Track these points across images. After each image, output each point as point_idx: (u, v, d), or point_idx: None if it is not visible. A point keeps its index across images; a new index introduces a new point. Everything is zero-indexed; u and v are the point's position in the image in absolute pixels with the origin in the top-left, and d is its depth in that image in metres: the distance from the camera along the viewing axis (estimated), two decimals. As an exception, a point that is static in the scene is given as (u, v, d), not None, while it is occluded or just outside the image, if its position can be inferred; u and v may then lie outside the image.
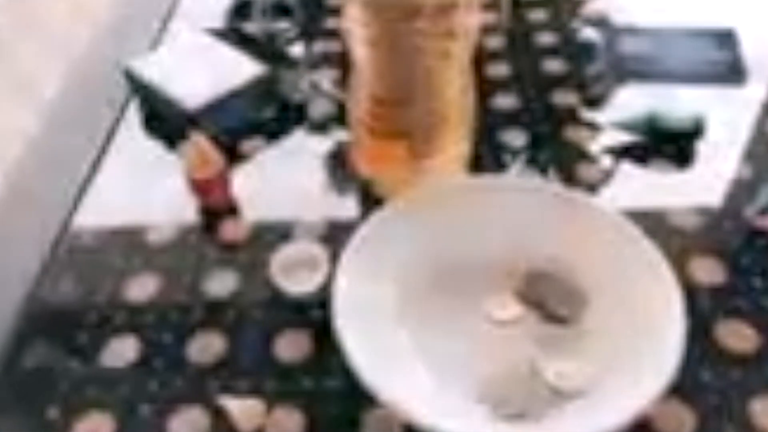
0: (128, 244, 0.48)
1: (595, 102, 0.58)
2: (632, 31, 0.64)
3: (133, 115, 0.59)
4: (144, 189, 0.52)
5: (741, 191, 0.49)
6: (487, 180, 0.47)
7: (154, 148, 0.56)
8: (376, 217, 0.42)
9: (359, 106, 0.46)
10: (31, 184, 0.55)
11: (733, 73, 0.60)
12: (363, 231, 0.41)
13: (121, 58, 0.61)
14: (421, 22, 0.40)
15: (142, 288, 0.45)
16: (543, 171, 0.51)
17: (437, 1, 0.39)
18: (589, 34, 0.66)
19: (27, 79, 0.66)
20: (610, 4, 0.69)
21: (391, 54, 0.42)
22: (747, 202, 0.48)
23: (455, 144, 0.47)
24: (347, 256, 0.40)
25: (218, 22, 0.69)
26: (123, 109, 0.59)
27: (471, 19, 0.41)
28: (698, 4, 0.68)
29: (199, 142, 0.48)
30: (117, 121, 0.58)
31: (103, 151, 0.56)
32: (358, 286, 0.39)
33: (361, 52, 0.43)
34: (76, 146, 0.56)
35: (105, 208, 0.51)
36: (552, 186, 0.45)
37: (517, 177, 0.50)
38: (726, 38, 0.63)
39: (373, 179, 0.49)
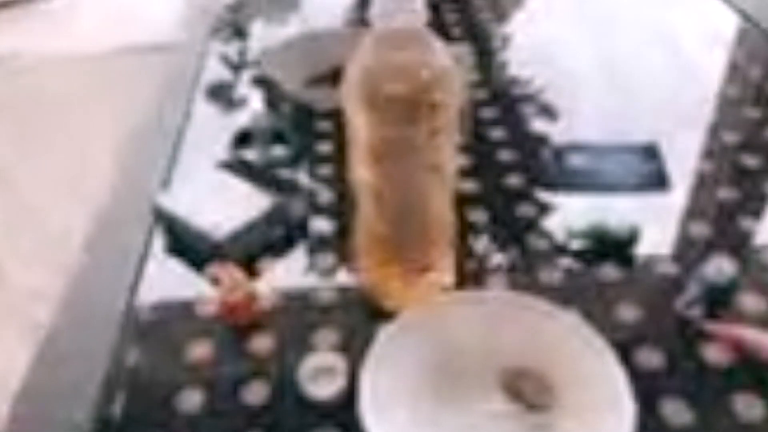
0: (176, 368, 0.57)
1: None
2: (574, 148, 0.78)
3: (157, 244, 0.69)
4: (177, 305, 0.61)
5: (671, 287, 0.61)
6: (472, 294, 0.58)
7: (183, 275, 0.65)
8: (385, 333, 0.52)
9: (360, 238, 0.57)
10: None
11: (658, 182, 0.73)
12: (376, 348, 0.51)
13: (139, 194, 0.71)
14: (418, 132, 0.49)
15: (189, 401, 0.54)
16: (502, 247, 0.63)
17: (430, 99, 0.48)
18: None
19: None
20: (554, 125, 0.83)
21: (394, 186, 0.52)
22: (676, 297, 0.60)
23: (443, 257, 0.58)
24: (367, 371, 0.50)
25: (221, 149, 0.79)
26: (147, 241, 0.69)
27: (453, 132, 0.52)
28: (624, 121, 0.82)
29: (231, 270, 0.58)
30: (145, 253, 0.68)
31: (135, 284, 0.65)
32: (377, 392, 0.49)
33: (365, 192, 0.54)
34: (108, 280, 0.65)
35: (144, 331, 0.60)
36: (525, 299, 0.56)
37: (498, 292, 0.61)
38: (651, 152, 0.76)
39: (376, 294, 0.59)
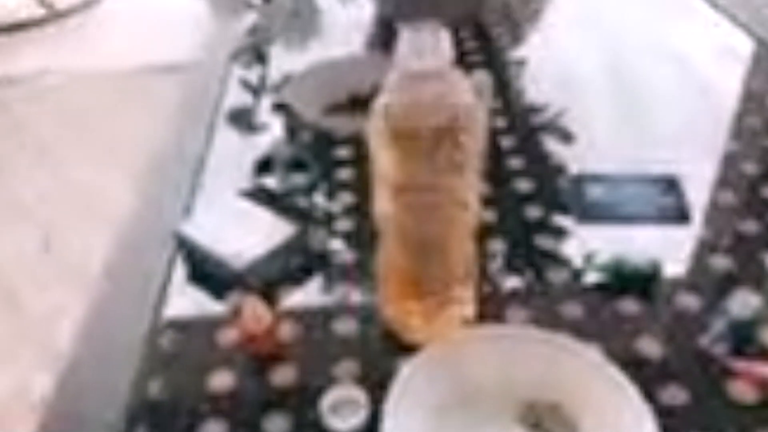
0: (197, 397, 0.57)
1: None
2: (593, 178, 0.78)
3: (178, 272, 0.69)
4: (198, 334, 0.62)
5: (693, 321, 0.61)
6: (493, 330, 0.58)
7: (204, 303, 0.66)
8: (407, 369, 0.52)
9: (382, 271, 0.57)
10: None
11: (678, 215, 0.73)
12: (398, 385, 0.51)
13: (161, 219, 0.72)
14: (441, 169, 0.49)
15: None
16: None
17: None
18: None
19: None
20: (572, 152, 0.83)
21: (419, 221, 0.52)
22: (699, 332, 0.59)
23: (464, 291, 0.58)
24: (389, 405, 0.50)
25: (242, 176, 0.80)
26: (170, 268, 0.69)
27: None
28: (642, 149, 0.82)
29: (253, 300, 0.58)
30: (166, 283, 0.68)
31: (156, 312, 0.65)
32: (399, 427, 0.49)
33: (387, 225, 0.54)
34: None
35: (166, 361, 0.60)
36: (546, 335, 0.56)
37: (519, 327, 0.60)
38: (671, 184, 0.76)
39: (397, 327, 0.59)
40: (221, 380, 0.58)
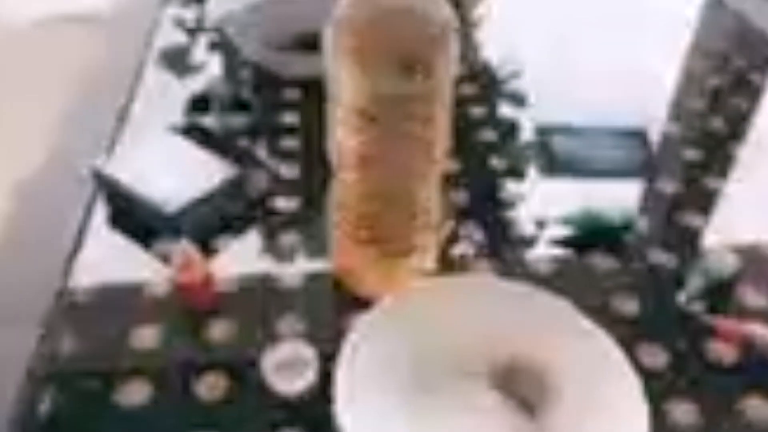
0: (115, 354, 0.49)
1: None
2: (562, 130, 0.72)
3: (99, 215, 0.60)
4: (123, 288, 0.53)
5: (667, 279, 0.57)
6: (457, 279, 0.52)
7: (126, 248, 0.57)
8: (364, 322, 0.46)
9: (336, 215, 0.50)
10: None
11: (646, 168, 0.69)
12: (354, 337, 0.45)
13: (80, 155, 0.62)
14: (413, 95, 0.43)
15: (135, 394, 0.46)
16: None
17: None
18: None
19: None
20: (540, 106, 0.78)
21: (383, 156, 0.45)
22: (675, 289, 0.55)
23: (427, 240, 0.52)
24: (344, 361, 0.43)
25: (176, 115, 0.71)
26: (90, 210, 0.60)
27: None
28: (615, 105, 0.77)
29: (185, 247, 0.50)
30: (84, 223, 0.59)
31: (74, 251, 0.56)
32: (353, 388, 0.42)
33: (347, 161, 0.47)
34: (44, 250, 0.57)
35: (81, 317, 0.52)
36: (514, 285, 0.50)
37: (484, 276, 0.54)
38: (639, 138, 0.72)
39: (350, 278, 0.52)
40: (146, 336, 0.50)
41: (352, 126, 0.45)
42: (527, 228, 0.61)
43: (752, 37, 0.94)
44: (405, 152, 0.46)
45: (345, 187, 0.48)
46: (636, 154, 0.70)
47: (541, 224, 0.61)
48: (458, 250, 0.58)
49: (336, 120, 0.46)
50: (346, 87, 0.44)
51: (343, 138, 0.46)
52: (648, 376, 0.48)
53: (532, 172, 0.68)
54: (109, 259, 0.56)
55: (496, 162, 0.69)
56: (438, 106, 0.45)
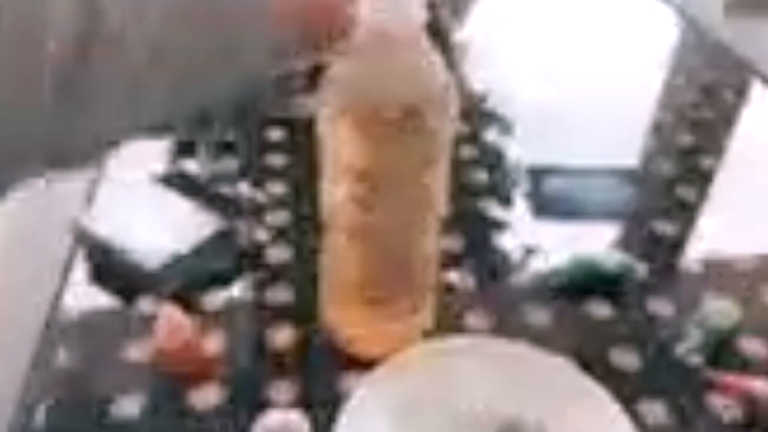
0: (97, 427, 0.46)
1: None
2: (552, 171, 0.71)
3: (79, 273, 0.58)
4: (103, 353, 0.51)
5: (667, 329, 0.55)
6: (458, 343, 0.50)
7: (106, 307, 0.55)
8: (359, 391, 0.44)
9: (329, 275, 0.48)
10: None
11: (639, 209, 0.68)
12: (349, 407, 0.43)
13: (58, 209, 0.60)
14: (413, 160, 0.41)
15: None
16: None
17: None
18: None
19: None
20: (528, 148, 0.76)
21: (379, 218, 0.43)
22: (674, 340, 0.54)
23: (423, 300, 0.50)
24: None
25: (160, 161, 0.69)
26: (67, 268, 0.58)
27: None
28: (603, 144, 0.77)
29: (169, 309, 0.48)
30: (62, 281, 0.57)
31: (52, 315, 0.54)
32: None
33: (341, 221, 0.45)
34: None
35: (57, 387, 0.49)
36: (516, 347, 0.49)
37: (483, 337, 0.53)
38: (631, 177, 0.71)
39: (345, 339, 0.51)
40: (127, 407, 0.47)
41: (348, 187, 0.43)
42: (522, 278, 0.60)
43: (734, 65, 0.95)
44: (404, 211, 0.44)
45: (337, 246, 0.47)
46: (627, 194, 0.69)
47: (529, 251, 0.60)
48: (456, 304, 0.56)
49: (329, 179, 0.45)
50: (337, 146, 0.42)
51: (337, 198, 0.44)
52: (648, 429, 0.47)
53: (525, 213, 0.67)
54: (88, 320, 0.54)
55: (488, 203, 0.68)
56: (440, 165, 0.44)
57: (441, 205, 0.47)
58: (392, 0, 0.37)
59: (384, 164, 0.40)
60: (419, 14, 0.38)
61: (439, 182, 0.44)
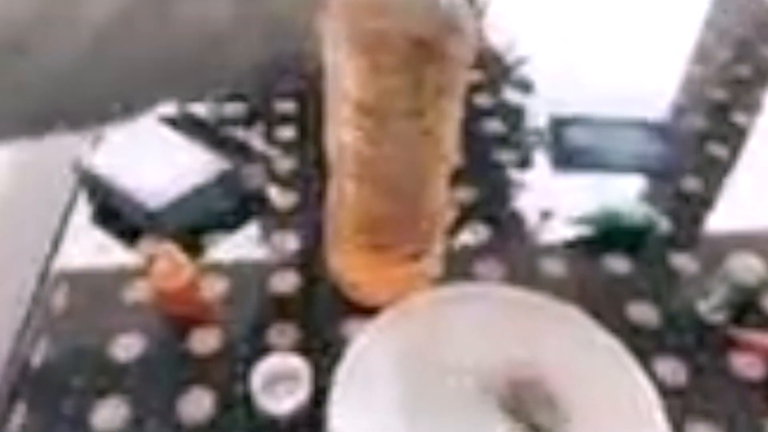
0: (95, 367, 0.45)
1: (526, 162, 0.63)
2: (576, 121, 0.68)
3: (82, 214, 0.56)
4: (103, 293, 0.50)
5: (690, 286, 0.53)
6: (466, 290, 0.48)
7: (109, 248, 0.53)
8: (361, 338, 0.42)
9: (336, 217, 0.46)
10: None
11: (668, 165, 0.64)
12: (350, 354, 0.41)
13: (64, 149, 0.58)
14: (423, 88, 0.38)
15: (110, 414, 0.42)
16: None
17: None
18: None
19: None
20: (550, 98, 0.73)
21: (387, 155, 0.41)
22: (697, 297, 0.51)
23: (431, 247, 0.48)
24: (340, 381, 0.40)
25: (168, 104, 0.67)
26: (71, 205, 0.56)
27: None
28: (632, 96, 0.73)
29: (169, 249, 0.47)
30: (65, 219, 0.55)
31: (55, 248, 0.53)
32: (351, 409, 0.39)
33: (347, 160, 0.43)
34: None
35: (57, 325, 0.48)
36: (527, 296, 0.47)
37: (489, 285, 0.51)
38: (661, 131, 0.68)
39: (349, 284, 0.49)
40: (126, 347, 0.46)
41: (353, 121, 0.40)
42: (539, 227, 0.57)
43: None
44: (413, 150, 0.42)
45: (344, 189, 0.44)
46: (657, 149, 0.66)
47: (546, 215, 0.57)
48: (467, 253, 0.54)
49: (336, 116, 0.42)
50: (343, 77, 0.39)
51: (344, 136, 0.42)
52: (667, 392, 0.44)
53: (544, 165, 0.64)
54: (90, 260, 0.52)
55: (504, 155, 0.65)
56: (453, 99, 0.41)
57: (452, 151, 0.44)
58: None
59: (391, 97, 0.38)
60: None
61: (450, 124, 0.41)
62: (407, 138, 0.39)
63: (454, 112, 0.41)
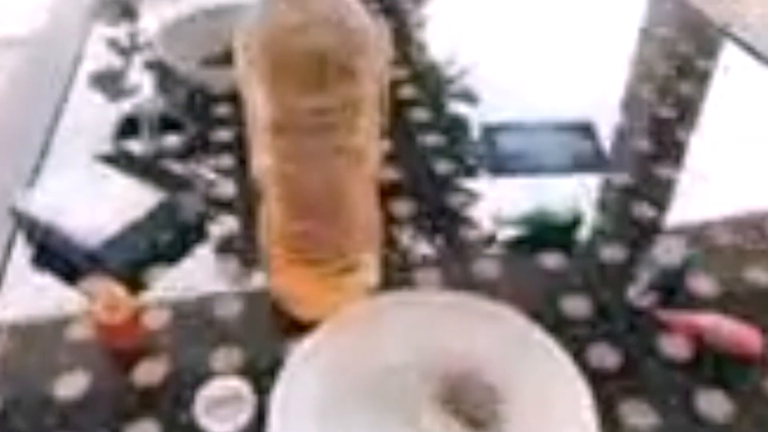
0: (41, 408, 0.45)
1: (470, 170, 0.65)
2: (506, 128, 0.71)
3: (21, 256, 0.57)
4: (45, 331, 0.50)
5: (618, 274, 0.55)
6: (401, 295, 0.49)
7: (49, 287, 0.54)
8: (299, 349, 0.43)
9: (267, 236, 0.47)
10: None
11: (596, 162, 0.67)
12: (288, 368, 0.42)
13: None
14: (332, 104, 0.40)
15: (56, 450, 0.43)
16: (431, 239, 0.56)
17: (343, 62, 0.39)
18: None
19: None
20: (486, 105, 0.75)
21: (304, 173, 0.43)
22: (627, 284, 0.53)
23: (366, 255, 0.50)
24: (276, 398, 0.41)
25: (103, 142, 0.68)
26: (9, 249, 0.57)
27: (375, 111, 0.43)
28: (559, 101, 0.76)
29: (108, 285, 0.47)
30: (3, 264, 0.56)
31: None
32: (289, 424, 0.40)
33: (270, 181, 0.45)
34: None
35: (5, 374, 0.48)
36: (462, 298, 0.48)
37: (424, 291, 0.52)
38: (586, 131, 0.70)
39: (288, 302, 0.50)
40: (72, 384, 0.46)
41: (269, 143, 0.42)
42: (472, 233, 0.59)
43: (697, 22, 0.94)
44: (330, 166, 0.43)
45: (271, 207, 0.46)
46: (583, 148, 0.69)
47: (498, 222, 0.59)
48: (407, 262, 0.56)
49: (256, 139, 0.44)
50: (259, 102, 0.41)
51: (263, 156, 0.43)
52: (601, 377, 0.46)
53: (481, 172, 0.66)
54: (31, 301, 0.53)
55: (442, 166, 0.67)
56: (365, 114, 0.43)
57: (373, 165, 0.46)
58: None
59: (300, 115, 0.39)
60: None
61: (364, 139, 0.43)
62: (320, 155, 0.41)
63: (368, 127, 0.43)
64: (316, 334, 0.45)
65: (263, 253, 0.50)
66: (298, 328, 0.48)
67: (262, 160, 0.44)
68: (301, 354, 0.43)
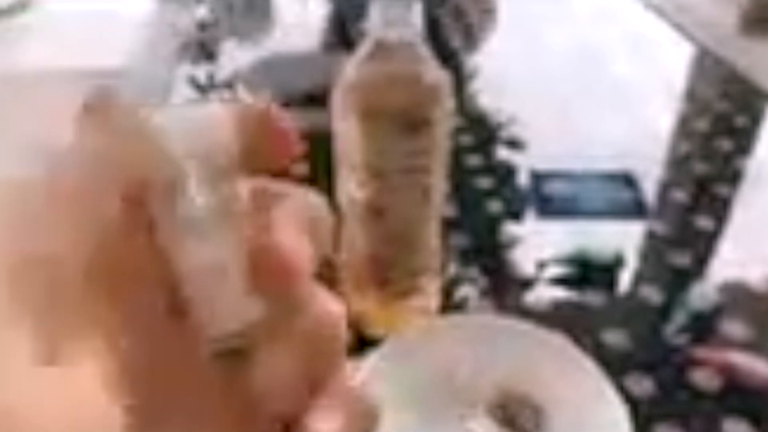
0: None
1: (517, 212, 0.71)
2: (553, 175, 0.77)
3: None
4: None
5: (655, 314, 0.60)
6: (458, 318, 0.56)
7: None
8: (367, 362, 0.50)
9: (346, 261, 0.55)
10: None
11: (636, 210, 0.73)
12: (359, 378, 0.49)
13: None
14: (415, 148, 0.47)
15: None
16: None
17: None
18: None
19: None
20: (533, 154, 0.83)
21: (391, 206, 0.50)
22: (662, 324, 0.59)
23: (430, 282, 0.56)
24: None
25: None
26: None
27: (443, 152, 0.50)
28: (602, 150, 0.82)
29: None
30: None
31: None
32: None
33: (357, 213, 0.52)
34: None
35: None
36: (512, 323, 0.54)
37: (484, 315, 0.59)
38: (628, 181, 0.77)
39: (360, 320, 0.57)
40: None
41: (360, 180, 0.49)
42: (526, 268, 0.65)
43: (738, 82, 1.00)
44: (407, 201, 0.51)
45: (351, 235, 0.53)
46: (624, 196, 0.75)
47: (541, 265, 0.65)
48: (461, 292, 0.62)
49: (344, 174, 0.51)
50: (354, 145, 0.49)
51: (351, 191, 0.51)
52: (636, 403, 0.51)
53: (528, 215, 0.73)
54: None
55: (494, 206, 0.74)
56: (436, 156, 0.50)
57: (440, 201, 0.53)
58: (390, 17, 0.44)
59: (391, 157, 0.47)
60: (417, 26, 0.45)
61: (438, 174, 0.50)
62: (402, 191, 0.48)
63: (439, 169, 0.50)
64: (383, 347, 0.51)
65: (341, 276, 0.56)
66: (369, 344, 0.55)
67: (350, 191, 0.51)
68: (370, 365, 0.49)
